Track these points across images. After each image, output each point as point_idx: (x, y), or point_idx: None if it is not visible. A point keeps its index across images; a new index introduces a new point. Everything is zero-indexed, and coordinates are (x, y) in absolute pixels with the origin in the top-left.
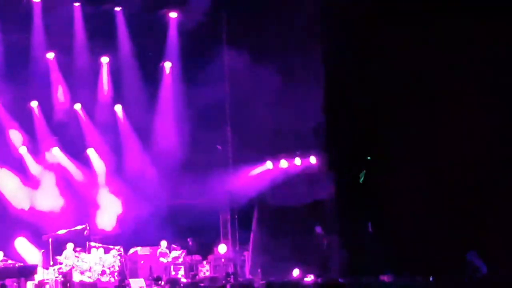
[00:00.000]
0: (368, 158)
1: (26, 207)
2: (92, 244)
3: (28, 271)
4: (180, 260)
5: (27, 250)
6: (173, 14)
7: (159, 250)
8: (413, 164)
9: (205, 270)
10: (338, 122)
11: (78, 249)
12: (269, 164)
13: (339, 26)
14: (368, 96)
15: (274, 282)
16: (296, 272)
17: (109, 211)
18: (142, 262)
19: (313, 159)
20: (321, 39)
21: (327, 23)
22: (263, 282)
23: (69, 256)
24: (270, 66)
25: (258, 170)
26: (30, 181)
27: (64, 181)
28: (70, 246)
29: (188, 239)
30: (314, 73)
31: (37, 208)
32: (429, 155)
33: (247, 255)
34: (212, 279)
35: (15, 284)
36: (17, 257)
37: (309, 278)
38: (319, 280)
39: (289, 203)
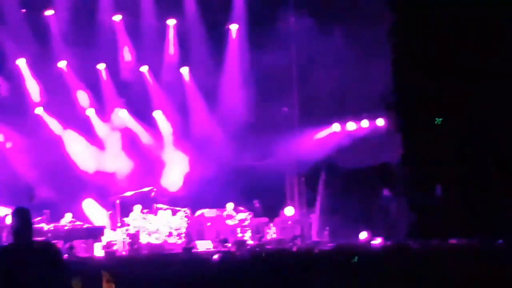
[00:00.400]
0: (437, 120)
1: (92, 169)
2: (159, 206)
3: (95, 233)
4: (247, 222)
5: (94, 212)
6: None
7: (225, 212)
8: (484, 126)
9: (271, 232)
10: (407, 84)
11: (145, 210)
12: (336, 127)
13: None
14: (437, 59)
15: (342, 245)
16: (363, 235)
17: (175, 173)
18: (208, 224)
19: (380, 121)
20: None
21: None
22: (331, 244)
23: (136, 217)
24: (337, 30)
25: (324, 132)
26: (97, 143)
27: (130, 143)
28: (137, 207)
29: (255, 201)
30: (383, 37)
31: (104, 170)
32: (503, 117)
33: (314, 217)
34: (278, 241)
35: (82, 245)
36: (85, 218)
37: (377, 241)
38: (387, 243)
39: (356, 165)
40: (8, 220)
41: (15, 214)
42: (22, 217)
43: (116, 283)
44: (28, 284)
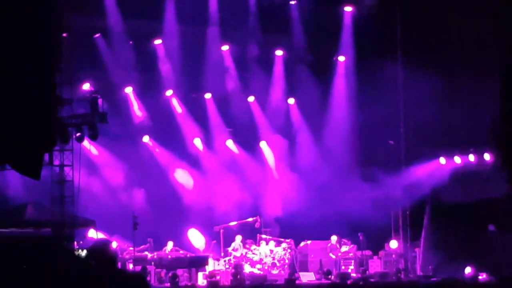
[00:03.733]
0: None
1: (197, 198)
2: (263, 236)
3: (199, 262)
4: (350, 254)
5: (198, 241)
6: (348, 8)
7: (329, 245)
8: None
9: (375, 266)
10: None
11: (248, 241)
12: (442, 160)
13: None
14: None
15: (447, 280)
16: (468, 270)
17: (280, 204)
18: (312, 255)
19: (487, 156)
20: (495, 37)
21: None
22: (435, 279)
23: (237, 247)
24: (437, 66)
25: (430, 166)
26: (202, 172)
27: (238, 174)
28: (238, 238)
29: (359, 234)
30: (488, 71)
31: (210, 200)
32: None
33: (418, 251)
34: (382, 274)
35: (186, 274)
36: (186, 247)
37: (482, 277)
38: (493, 278)
39: (462, 200)
40: (113, 247)
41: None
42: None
43: None
44: None
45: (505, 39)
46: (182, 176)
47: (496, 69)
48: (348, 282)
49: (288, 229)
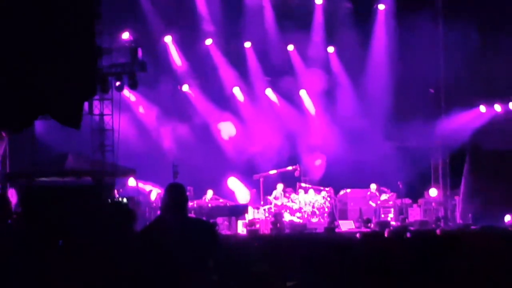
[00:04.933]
0: None
1: (237, 147)
2: (303, 185)
3: (239, 210)
4: (390, 203)
5: (238, 189)
6: None
7: (368, 193)
8: None
9: (415, 214)
10: None
11: (288, 189)
12: (482, 108)
13: None
14: None
15: (486, 227)
16: (508, 218)
17: (319, 152)
18: (351, 204)
19: None
20: None
21: None
22: (475, 227)
23: (279, 196)
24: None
25: (470, 114)
26: (242, 121)
27: (277, 122)
28: (280, 186)
29: (399, 182)
30: None
31: (249, 148)
32: None
33: (458, 200)
34: (422, 222)
35: (225, 222)
36: (226, 195)
37: None
38: None
39: (502, 147)
40: (153, 196)
41: (171, 189)
42: (179, 192)
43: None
44: (183, 258)
45: None
46: (225, 127)
47: None
48: (387, 231)
49: (328, 177)
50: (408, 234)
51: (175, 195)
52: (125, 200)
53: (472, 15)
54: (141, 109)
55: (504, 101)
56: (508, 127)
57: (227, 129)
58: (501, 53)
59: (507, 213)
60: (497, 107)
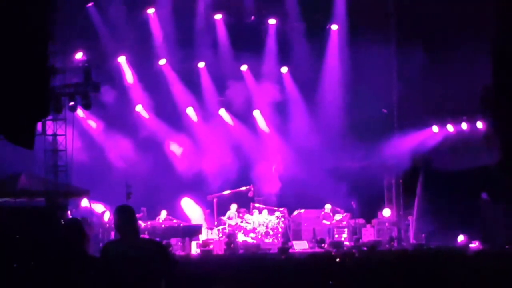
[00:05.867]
0: None
1: (190, 167)
2: (257, 205)
3: (193, 231)
4: (344, 223)
5: (192, 210)
6: None
7: (322, 213)
8: None
9: (368, 234)
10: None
11: (242, 210)
12: (435, 128)
13: None
14: None
15: (439, 248)
16: (461, 238)
17: (273, 173)
18: (305, 224)
19: (479, 124)
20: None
21: None
22: (429, 247)
23: (233, 216)
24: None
25: (424, 134)
26: (196, 142)
27: (231, 142)
28: (234, 206)
29: (352, 202)
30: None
31: (203, 168)
32: None
33: (411, 220)
34: (375, 243)
35: (179, 243)
36: (180, 216)
37: (474, 245)
38: (485, 247)
39: (455, 168)
40: (106, 217)
41: (119, 211)
42: (127, 214)
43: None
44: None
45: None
46: (175, 147)
47: (488, 37)
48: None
49: (282, 197)
50: (358, 254)
51: (124, 217)
52: None
53: (422, 36)
54: (93, 127)
55: (456, 121)
56: (460, 147)
57: (176, 149)
58: (451, 75)
59: (460, 233)
60: (450, 127)
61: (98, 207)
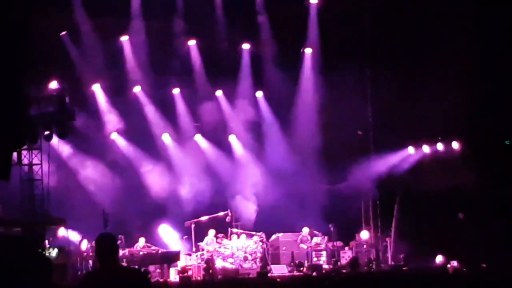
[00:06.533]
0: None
1: (167, 194)
2: (235, 230)
3: (171, 257)
4: (322, 246)
5: (170, 236)
6: (313, 0)
7: (300, 236)
8: None
9: (347, 256)
10: (483, 108)
11: (220, 235)
12: (410, 149)
13: None
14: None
15: (418, 268)
16: (439, 259)
17: (250, 198)
18: (284, 248)
19: (455, 144)
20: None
21: None
22: (406, 268)
23: (211, 242)
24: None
25: (399, 155)
26: (172, 168)
27: (207, 168)
28: (211, 232)
29: (330, 225)
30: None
31: (180, 195)
32: None
33: (389, 241)
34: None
35: (158, 270)
36: (158, 243)
37: (453, 265)
38: (463, 267)
39: (431, 188)
40: (84, 246)
41: (100, 240)
42: (109, 243)
43: None
44: None
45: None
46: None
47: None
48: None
49: (260, 222)
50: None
51: (106, 246)
52: (55, 250)
53: (395, 60)
54: (69, 156)
55: (431, 142)
56: (436, 167)
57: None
58: (426, 95)
59: (438, 253)
60: (425, 148)
61: (75, 236)
